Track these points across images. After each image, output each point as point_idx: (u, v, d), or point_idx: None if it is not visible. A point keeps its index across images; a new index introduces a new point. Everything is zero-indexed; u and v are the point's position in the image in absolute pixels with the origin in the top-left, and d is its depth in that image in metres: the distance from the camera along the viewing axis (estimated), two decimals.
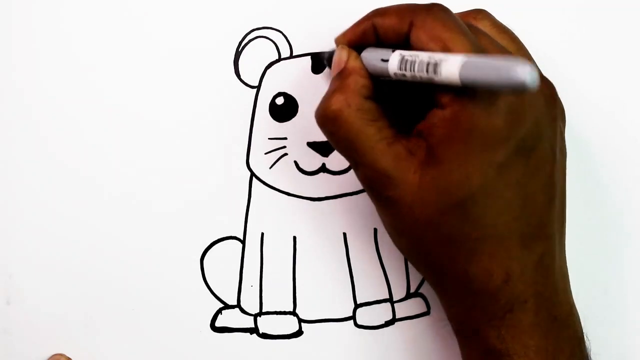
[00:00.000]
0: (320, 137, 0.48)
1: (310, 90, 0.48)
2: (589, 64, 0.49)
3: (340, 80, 0.42)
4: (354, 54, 0.43)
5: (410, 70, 0.39)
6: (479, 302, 0.41)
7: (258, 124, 0.48)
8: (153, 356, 0.48)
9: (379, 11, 0.42)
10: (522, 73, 0.34)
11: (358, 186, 0.48)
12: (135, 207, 0.48)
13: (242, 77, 0.48)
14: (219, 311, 0.48)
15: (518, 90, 0.35)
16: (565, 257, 0.43)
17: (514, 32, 0.44)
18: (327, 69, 0.48)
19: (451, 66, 0.37)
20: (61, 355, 0.47)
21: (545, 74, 0.44)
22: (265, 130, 0.48)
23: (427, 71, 0.38)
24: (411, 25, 0.40)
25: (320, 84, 0.48)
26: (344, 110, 0.41)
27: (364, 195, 0.48)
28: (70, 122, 0.48)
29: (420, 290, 0.49)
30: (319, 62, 0.48)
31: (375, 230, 0.49)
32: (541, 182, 0.40)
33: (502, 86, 0.35)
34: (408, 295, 0.49)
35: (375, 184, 0.41)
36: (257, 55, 0.48)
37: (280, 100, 0.48)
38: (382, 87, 0.43)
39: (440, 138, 0.39)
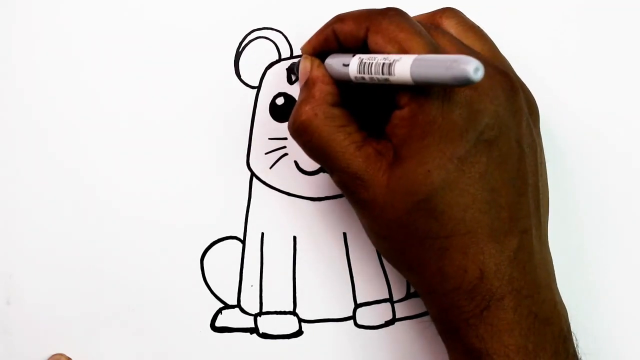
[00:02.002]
0: None
1: None
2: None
3: (306, 91, 0.43)
4: (316, 62, 0.44)
5: (368, 73, 0.40)
6: (456, 300, 0.40)
7: (258, 124, 0.48)
8: (153, 356, 0.48)
9: (338, 17, 0.43)
10: (465, 67, 0.35)
11: None
12: (136, 207, 0.48)
13: (242, 77, 0.48)
14: (219, 311, 0.48)
15: (463, 84, 0.36)
16: (548, 253, 0.43)
17: (482, 29, 0.45)
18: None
19: (403, 65, 0.38)
20: (61, 355, 0.47)
21: (526, 74, 0.45)
22: (265, 130, 0.48)
23: (382, 73, 0.39)
24: (367, 29, 0.41)
25: None
26: (313, 120, 0.42)
27: None
28: (70, 122, 0.48)
29: None
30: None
31: None
32: (508, 176, 0.40)
33: (449, 81, 0.36)
34: (408, 295, 0.49)
35: (350, 188, 0.42)
36: (257, 56, 0.48)
37: (280, 101, 0.48)
38: (353, 91, 0.44)
39: (402, 138, 0.40)
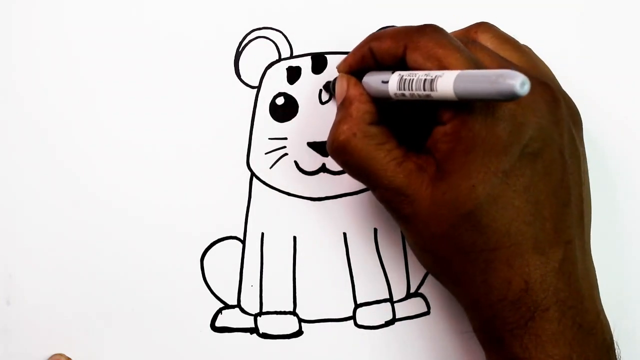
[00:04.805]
0: (321, 137, 0.48)
1: (311, 90, 0.48)
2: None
3: (343, 110, 0.43)
4: (353, 80, 0.44)
5: (409, 89, 0.40)
6: (500, 311, 0.41)
7: (258, 124, 0.48)
8: (153, 356, 0.48)
9: (374, 36, 0.43)
10: (512, 82, 0.35)
11: (358, 186, 0.48)
12: (136, 207, 0.48)
13: (242, 77, 0.48)
14: (219, 311, 0.48)
15: (509, 99, 0.36)
16: (591, 263, 0.43)
17: (517, 41, 0.45)
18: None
19: (446, 81, 0.38)
20: (61, 355, 0.47)
21: (562, 82, 0.45)
22: (265, 130, 0.48)
23: (424, 89, 0.39)
24: (406, 47, 0.41)
25: (321, 84, 0.48)
26: (351, 140, 0.42)
27: (364, 195, 0.49)
28: (70, 122, 0.48)
29: (420, 290, 0.49)
30: (319, 62, 0.48)
31: (376, 230, 0.49)
32: (552, 187, 0.41)
33: (495, 96, 0.36)
34: (408, 295, 0.49)
35: (393, 203, 0.42)
36: (257, 55, 0.48)
37: (280, 100, 0.48)
38: (390, 108, 0.44)
39: (445, 153, 0.40)
